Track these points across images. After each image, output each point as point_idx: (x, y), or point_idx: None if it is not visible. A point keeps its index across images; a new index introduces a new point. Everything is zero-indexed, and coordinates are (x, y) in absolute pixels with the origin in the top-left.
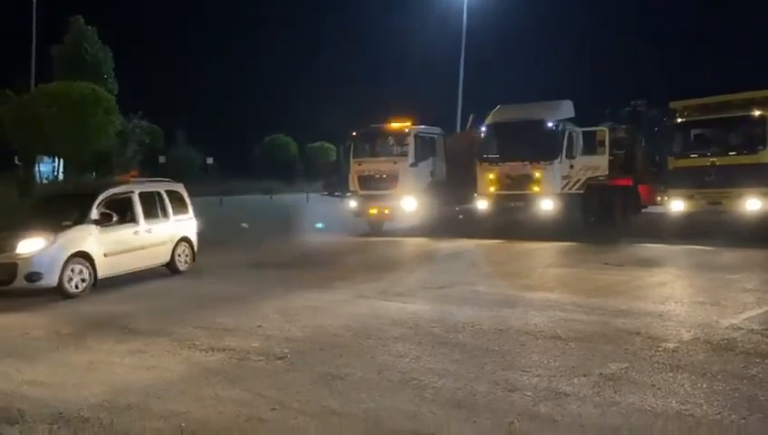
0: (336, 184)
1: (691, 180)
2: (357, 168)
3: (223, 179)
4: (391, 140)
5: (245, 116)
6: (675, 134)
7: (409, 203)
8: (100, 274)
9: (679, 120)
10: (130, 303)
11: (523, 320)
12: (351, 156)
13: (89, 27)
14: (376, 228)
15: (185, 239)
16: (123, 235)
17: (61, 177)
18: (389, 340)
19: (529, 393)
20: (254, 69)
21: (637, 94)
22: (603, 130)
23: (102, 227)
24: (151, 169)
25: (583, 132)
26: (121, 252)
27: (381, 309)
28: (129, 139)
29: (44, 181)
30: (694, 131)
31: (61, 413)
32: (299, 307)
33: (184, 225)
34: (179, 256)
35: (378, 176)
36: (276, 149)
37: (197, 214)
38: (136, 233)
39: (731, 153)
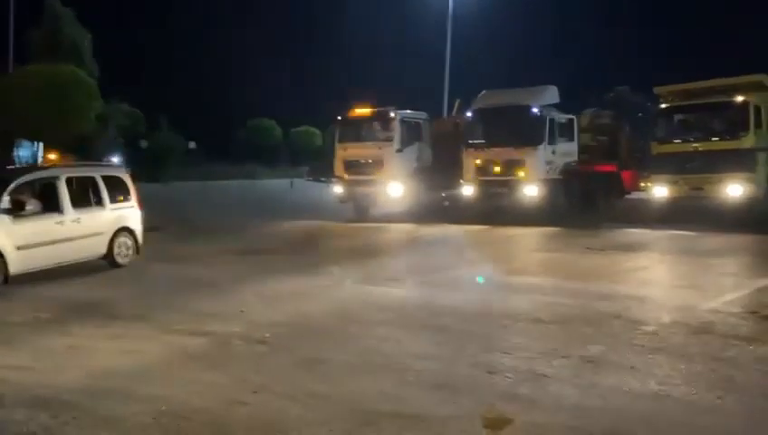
0: (320, 169)
1: (674, 166)
2: (342, 153)
3: (206, 163)
4: (377, 125)
5: (228, 100)
6: (658, 120)
7: (395, 188)
8: (13, 269)
9: (663, 105)
10: (111, 287)
11: (506, 304)
12: (337, 141)
13: (66, 10)
14: (361, 214)
15: (125, 230)
16: (43, 225)
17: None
18: (373, 324)
19: (509, 375)
20: (238, 52)
21: (621, 80)
22: (572, 118)
23: (15, 216)
24: (133, 153)
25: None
26: (40, 244)
27: (366, 294)
28: (109, 123)
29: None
30: (677, 117)
31: (41, 397)
32: (282, 292)
33: (124, 214)
34: (119, 247)
35: (363, 161)
36: (260, 132)
37: (184, 199)
38: (60, 223)
39: (713, 139)
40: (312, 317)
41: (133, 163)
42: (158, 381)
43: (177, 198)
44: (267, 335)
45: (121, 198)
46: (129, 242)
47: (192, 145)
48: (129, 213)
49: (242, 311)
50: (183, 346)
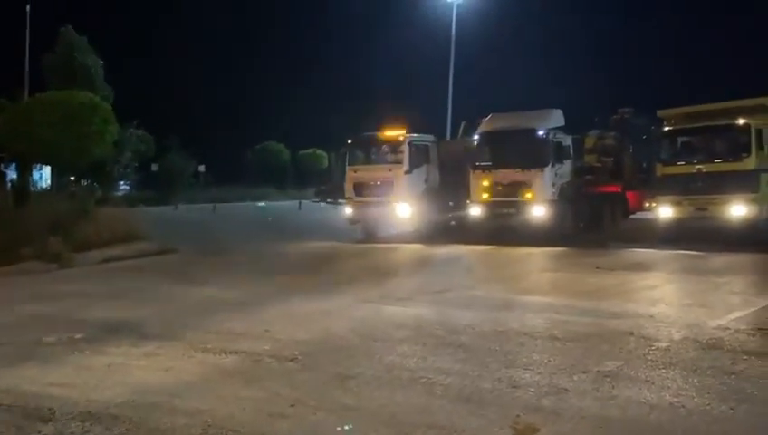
0: (328, 191)
1: (678, 187)
2: (352, 175)
3: (215, 186)
4: (386, 148)
5: (237, 123)
6: (662, 142)
7: (404, 209)
8: None
9: (666, 128)
10: (139, 308)
11: (521, 322)
12: (347, 163)
13: (80, 36)
14: (371, 234)
15: None
16: None
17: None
18: (395, 341)
19: (532, 389)
20: (246, 75)
21: (624, 102)
22: (577, 138)
23: None
24: (144, 177)
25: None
26: None
27: (384, 313)
28: (125, 147)
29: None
30: (681, 139)
31: (90, 411)
32: (303, 312)
33: None
34: None
35: (373, 183)
36: (268, 155)
37: (196, 221)
38: None
39: (717, 160)
40: (335, 335)
41: (144, 186)
42: (199, 396)
43: (190, 220)
44: (296, 353)
45: None
46: None
47: (202, 168)
48: None
49: (267, 330)
50: (217, 364)
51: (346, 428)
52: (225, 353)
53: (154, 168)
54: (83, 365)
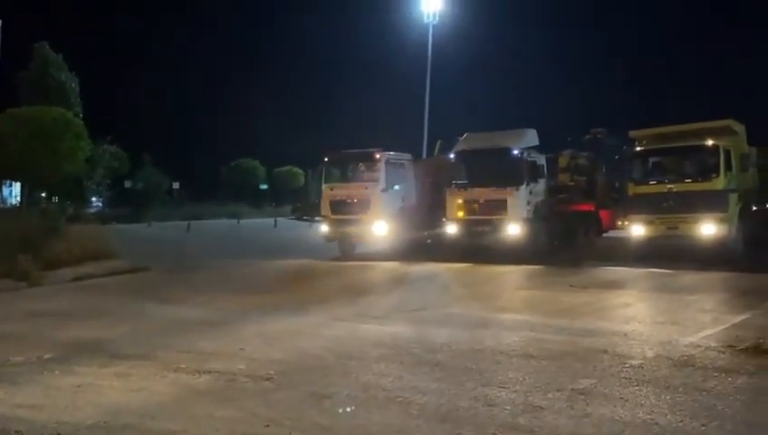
0: (304, 209)
1: (650, 206)
2: (329, 193)
3: (190, 203)
4: (362, 166)
5: (212, 140)
6: (634, 162)
7: (381, 227)
8: None
9: (638, 148)
10: (109, 327)
11: (497, 340)
12: (323, 181)
13: (54, 53)
14: (347, 253)
15: None
16: None
17: (15, 201)
18: (371, 360)
19: (508, 407)
20: (220, 92)
21: (597, 123)
22: (551, 158)
23: None
24: (117, 194)
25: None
26: None
27: (360, 331)
28: (98, 164)
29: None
30: (652, 159)
31: (59, 434)
32: (278, 331)
33: None
34: None
35: (349, 201)
36: (244, 173)
37: (169, 238)
38: None
39: (687, 180)
40: (310, 354)
41: (118, 204)
42: (172, 416)
43: (163, 238)
44: (272, 372)
45: None
46: None
47: (176, 185)
48: None
49: (241, 349)
50: (190, 384)
51: None
52: (199, 373)
53: (128, 184)
54: (53, 386)
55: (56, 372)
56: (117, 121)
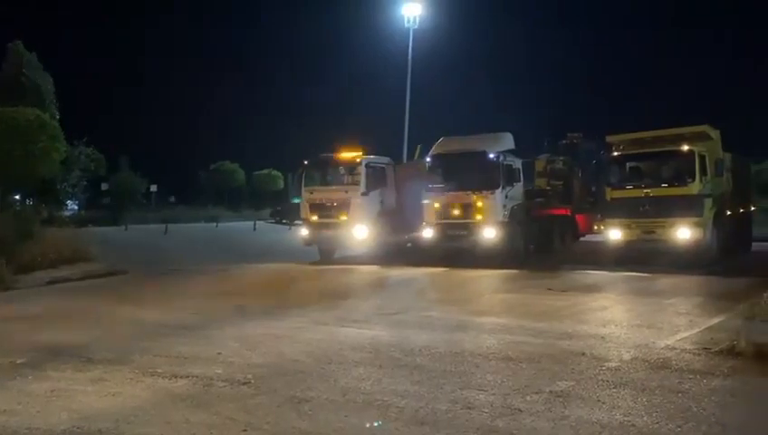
0: (283, 212)
1: (627, 210)
2: (309, 196)
3: (167, 206)
4: (343, 170)
5: (191, 143)
6: (611, 166)
7: (360, 231)
8: None
9: (615, 153)
10: (83, 331)
11: (476, 343)
12: (303, 185)
13: (29, 52)
14: (327, 256)
15: None
16: None
17: None
18: (350, 364)
19: (486, 410)
20: (200, 96)
21: (573, 127)
22: (527, 162)
23: None
24: (94, 196)
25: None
26: None
27: (339, 335)
28: (73, 165)
29: None
30: (628, 164)
31: None
32: (257, 335)
33: None
34: None
35: (329, 204)
36: (223, 176)
37: (146, 242)
38: None
39: (663, 185)
40: (289, 358)
41: (94, 206)
42: (147, 421)
43: (140, 241)
44: (250, 376)
45: None
46: None
47: (153, 188)
48: None
49: (219, 353)
50: (167, 388)
51: None
52: (176, 377)
53: (104, 187)
54: (25, 391)
55: (29, 377)
56: (94, 123)
